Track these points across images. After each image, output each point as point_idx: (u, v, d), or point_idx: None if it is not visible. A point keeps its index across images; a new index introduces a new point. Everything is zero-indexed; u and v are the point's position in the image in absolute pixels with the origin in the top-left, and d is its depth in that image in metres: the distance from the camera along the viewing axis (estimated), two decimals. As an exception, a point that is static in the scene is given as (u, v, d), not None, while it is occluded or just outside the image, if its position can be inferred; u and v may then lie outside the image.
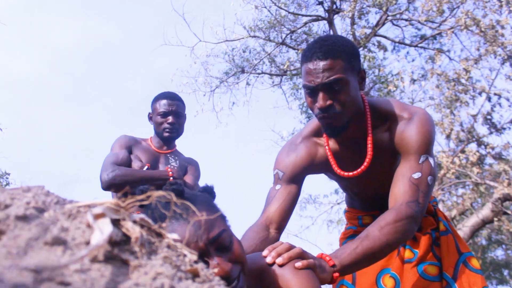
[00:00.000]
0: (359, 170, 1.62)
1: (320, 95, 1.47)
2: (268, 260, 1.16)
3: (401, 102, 1.68)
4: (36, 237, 0.49)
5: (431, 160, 1.53)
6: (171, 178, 2.33)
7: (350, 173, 1.64)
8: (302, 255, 1.19)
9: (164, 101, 2.51)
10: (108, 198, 2.30)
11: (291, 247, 1.20)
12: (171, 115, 2.49)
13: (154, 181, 2.29)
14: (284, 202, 1.62)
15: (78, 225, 0.54)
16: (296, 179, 1.67)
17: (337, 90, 1.46)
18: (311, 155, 1.68)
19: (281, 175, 1.67)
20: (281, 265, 1.14)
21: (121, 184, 2.25)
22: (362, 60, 7.11)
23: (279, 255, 1.17)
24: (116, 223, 0.57)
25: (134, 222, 0.60)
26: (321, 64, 1.45)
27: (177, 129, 2.51)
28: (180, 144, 2.65)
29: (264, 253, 1.19)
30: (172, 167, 2.45)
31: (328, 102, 1.47)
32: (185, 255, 0.59)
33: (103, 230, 0.52)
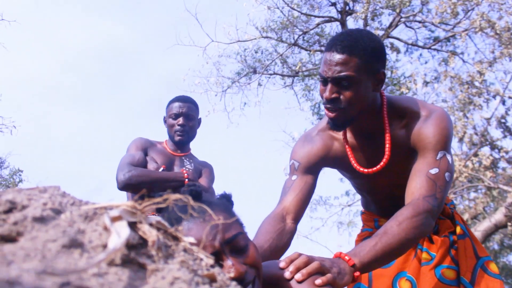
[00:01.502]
0: (378, 167, 1.61)
1: (329, 86, 1.49)
2: (287, 275, 1.13)
3: (421, 100, 1.67)
4: (53, 239, 0.49)
5: (448, 157, 1.51)
6: (186, 180, 2.34)
7: (368, 170, 1.62)
8: (321, 269, 1.16)
9: (176, 104, 2.54)
10: (124, 198, 2.30)
11: (309, 260, 1.17)
12: (181, 117, 2.51)
13: (170, 182, 2.31)
14: (301, 193, 1.62)
15: (94, 228, 0.54)
16: (312, 169, 1.67)
17: (346, 86, 1.47)
18: (327, 147, 1.68)
19: (297, 165, 1.67)
20: (299, 281, 1.12)
21: (137, 184, 2.26)
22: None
23: (297, 269, 1.14)
24: (132, 225, 0.57)
25: (151, 225, 0.59)
26: (337, 57, 1.46)
27: (187, 132, 2.52)
28: (192, 143, 2.66)
29: (282, 265, 1.16)
30: (187, 169, 2.46)
31: (334, 96, 1.48)
32: (201, 259, 0.59)
33: (120, 233, 0.52)
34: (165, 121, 2.61)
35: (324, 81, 1.50)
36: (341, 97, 1.48)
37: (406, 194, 1.49)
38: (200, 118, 2.64)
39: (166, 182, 2.30)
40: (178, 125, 2.50)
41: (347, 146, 1.65)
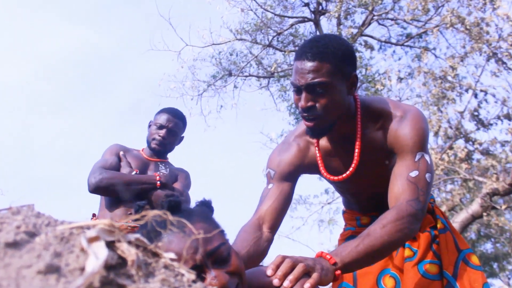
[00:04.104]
0: (344, 175, 1.61)
1: (303, 95, 1.47)
2: (276, 283, 1.12)
3: (394, 100, 1.67)
4: (28, 265, 0.47)
5: (427, 157, 1.51)
6: (158, 183, 2.32)
7: (336, 178, 1.63)
8: (306, 270, 1.16)
9: (165, 116, 2.53)
10: (96, 201, 2.23)
11: (294, 264, 1.16)
12: (165, 130, 2.50)
13: (141, 184, 2.30)
14: (276, 201, 1.60)
15: (71, 249, 0.52)
16: (287, 177, 1.65)
17: (320, 93, 1.46)
18: (302, 153, 1.67)
19: (272, 173, 1.66)
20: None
21: (107, 186, 2.24)
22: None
23: (284, 275, 1.13)
24: (110, 244, 0.55)
25: (129, 242, 0.58)
26: (308, 65, 1.45)
27: (165, 145, 2.51)
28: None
29: (269, 272, 1.15)
30: (161, 173, 2.43)
31: (309, 104, 1.47)
32: (183, 275, 0.58)
33: (98, 255, 0.50)
34: (149, 126, 2.59)
35: (298, 90, 1.49)
36: (317, 104, 1.47)
37: (389, 199, 1.49)
38: (183, 137, 2.63)
39: (138, 184, 2.28)
40: (159, 135, 2.49)
41: (317, 153, 1.64)
